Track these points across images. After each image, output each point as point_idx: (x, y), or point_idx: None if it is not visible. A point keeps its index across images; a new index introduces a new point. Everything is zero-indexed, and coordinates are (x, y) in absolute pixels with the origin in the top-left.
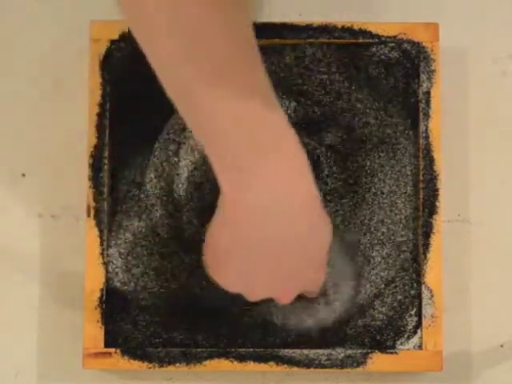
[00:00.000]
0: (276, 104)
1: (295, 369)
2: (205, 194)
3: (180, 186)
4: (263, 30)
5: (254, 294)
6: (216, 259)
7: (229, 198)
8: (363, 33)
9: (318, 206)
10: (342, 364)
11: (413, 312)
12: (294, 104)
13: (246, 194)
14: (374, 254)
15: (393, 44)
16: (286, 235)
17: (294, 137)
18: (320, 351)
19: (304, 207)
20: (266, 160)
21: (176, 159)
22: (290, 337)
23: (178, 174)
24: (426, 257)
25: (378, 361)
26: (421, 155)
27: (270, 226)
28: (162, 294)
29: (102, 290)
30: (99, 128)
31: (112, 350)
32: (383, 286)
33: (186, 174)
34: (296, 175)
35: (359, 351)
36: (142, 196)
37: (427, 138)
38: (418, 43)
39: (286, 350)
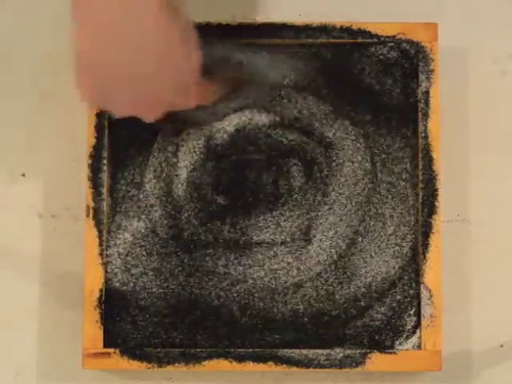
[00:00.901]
0: None
1: (294, 369)
2: (204, 194)
3: (179, 186)
4: (263, 30)
5: (116, 109)
6: (81, 71)
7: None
8: (362, 33)
9: (176, 27)
10: (340, 364)
11: (412, 312)
12: (293, 102)
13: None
14: (373, 253)
15: (392, 44)
16: (145, 51)
17: None
18: (319, 351)
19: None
20: None
21: (175, 160)
22: (290, 337)
23: (176, 175)
24: (425, 257)
25: (377, 361)
26: (420, 155)
27: (123, 40)
28: (161, 294)
29: (101, 290)
30: (98, 128)
31: (111, 350)
32: (382, 285)
33: (185, 175)
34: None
35: (358, 351)
36: (141, 196)
37: (426, 137)
38: (417, 43)
39: (285, 350)
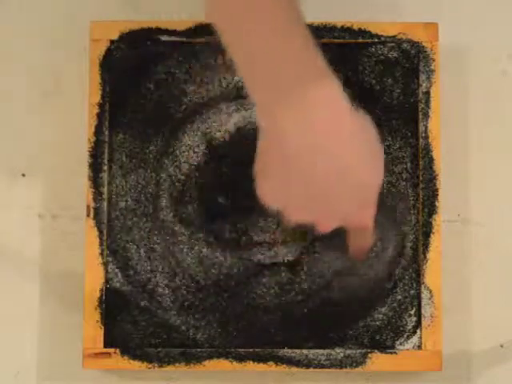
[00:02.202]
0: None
1: (294, 369)
2: (206, 194)
3: (180, 186)
4: None
5: (293, 214)
6: (262, 176)
7: (274, 131)
8: (363, 32)
9: (365, 138)
10: (341, 364)
11: (412, 312)
12: None
13: (291, 127)
14: (372, 253)
15: (392, 44)
16: (330, 165)
17: (332, 77)
18: (319, 351)
19: (349, 140)
20: (307, 93)
21: (175, 160)
22: (290, 337)
23: (176, 175)
24: (425, 257)
25: (378, 361)
26: (420, 155)
27: (314, 157)
28: (161, 294)
29: (101, 290)
30: (99, 128)
31: (111, 350)
32: (382, 285)
33: (186, 175)
34: (339, 109)
35: (358, 351)
36: (142, 196)
37: (426, 137)
38: (418, 43)
39: (286, 350)
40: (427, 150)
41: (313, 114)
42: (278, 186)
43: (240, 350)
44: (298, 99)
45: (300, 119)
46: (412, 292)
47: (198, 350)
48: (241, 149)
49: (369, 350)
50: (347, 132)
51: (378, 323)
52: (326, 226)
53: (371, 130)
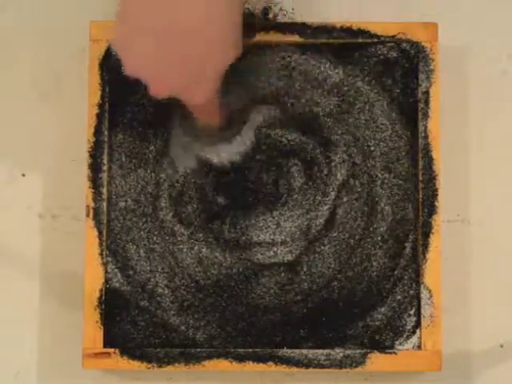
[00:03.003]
0: None
1: (294, 369)
2: (206, 192)
3: (179, 186)
4: (264, 30)
5: (129, 64)
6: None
7: None
8: (362, 32)
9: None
10: (340, 364)
11: (412, 312)
12: (291, 101)
13: None
14: (372, 253)
15: (392, 44)
16: (176, 22)
17: None
18: (319, 351)
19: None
20: None
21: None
22: (290, 337)
23: (176, 175)
24: (425, 257)
25: (377, 361)
26: (420, 155)
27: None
28: (161, 294)
29: (101, 290)
30: (98, 128)
31: (111, 350)
32: (382, 285)
33: (185, 175)
34: None
35: (358, 351)
36: (142, 196)
37: (426, 137)
38: (417, 43)
39: (285, 350)
40: (427, 149)
41: None
42: (129, 25)
43: (240, 350)
44: None
45: None
46: (411, 292)
47: (198, 350)
48: None
49: (368, 350)
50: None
51: (377, 323)
52: (158, 87)
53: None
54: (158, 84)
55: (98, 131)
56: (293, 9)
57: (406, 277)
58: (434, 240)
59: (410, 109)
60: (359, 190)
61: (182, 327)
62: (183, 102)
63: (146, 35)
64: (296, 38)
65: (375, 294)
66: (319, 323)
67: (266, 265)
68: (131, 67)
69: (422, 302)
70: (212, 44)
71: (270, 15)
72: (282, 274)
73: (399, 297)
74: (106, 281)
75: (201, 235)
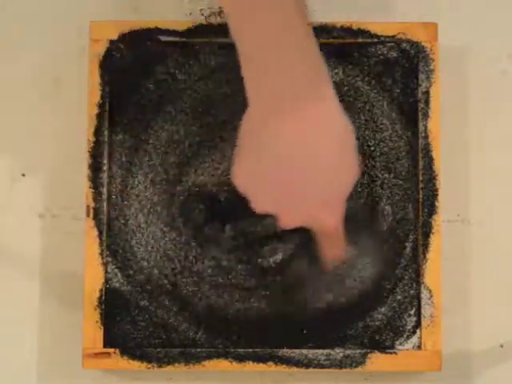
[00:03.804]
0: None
1: (294, 369)
2: (206, 193)
3: (179, 187)
4: None
5: (259, 201)
6: (239, 156)
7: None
8: (362, 32)
9: (350, 142)
10: (341, 364)
11: (412, 312)
12: None
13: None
14: (373, 253)
15: (392, 44)
16: (307, 161)
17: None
18: (319, 351)
19: (339, 140)
20: (306, 108)
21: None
22: (290, 337)
23: (176, 175)
24: (425, 257)
25: (377, 361)
26: (420, 155)
27: (294, 152)
28: (161, 294)
29: (101, 290)
30: (98, 128)
31: (111, 350)
32: (382, 286)
33: (185, 176)
34: (333, 112)
35: (358, 351)
36: (141, 196)
37: (426, 137)
38: (417, 43)
39: (285, 350)
40: (427, 149)
41: (308, 130)
42: (251, 169)
43: (240, 350)
44: (296, 114)
45: (294, 132)
46: (412, 292)
47: (198, 350)
48: None
49: (368, 350)
50: (335, 140)
51: (377, 323)
52: (288, 220)
53: (352, 136)
54: (288, 217)
55: (98, 131)
56: None
57: (406, 277)
58: (433, 240)
59: (410, 109)
60: (359, 189)
61: (183, 327)
62: (313, 234)
63: (270, 171)
64: None
65: (375, 294)
66: (319, 323)
67: (266, 265)
68: (261, 206)
69: (422, 302)
70: (339, 169)
71: None
72: (282, 274)
73: (399, 297)
74: (106, 281)
75: (201, 235)
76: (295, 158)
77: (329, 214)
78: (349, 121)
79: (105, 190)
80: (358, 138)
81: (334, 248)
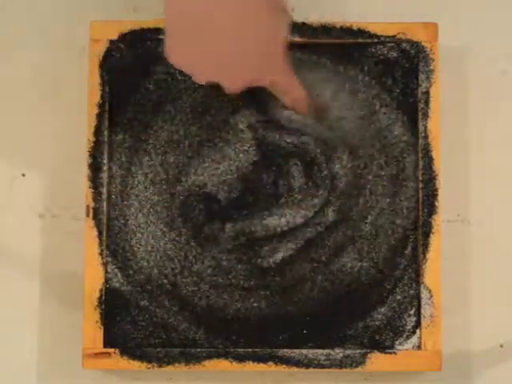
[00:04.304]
0: None
1: (294, 369)
2: (206, 193)
3: (179, 187)
4: None
5: (201, 74)
6: (170, 34)
7: None
8: (362, 33)
9: None
10: (341, 364)
11: (412, 312)
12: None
13: None
14: (372, 254)
15: (392, 44)
16: (233, 15)
17: None
18: (319, 351)
19: None
20: None
21: (175, 160)
22: (290, 337)
23: (176, 175)
24: (425, 257)
25: (377, 361)
26: (420, 155)
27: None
28: (160, 294)
29: (101, 290)
30: (98, 128)
31: (111, 350)
32: (382, 286)
33: (186, 176)
34: None
35: (358, 351)
36: (141, 196)
37: (426, 137)
38: (417, 43)
39: (285, 350)
40: (427, 149)
41: None
42: (184, 43)
43: (240, 350)
44: None
45: None
46: (412, 292)
47: (198, 350)
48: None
49: (368, 350)
50: None
51: (377, 323)
52: (232, 83)
53: None
54: (231, 80)
55: (97, 131)
56: (293, 9)
57: (406, 277)
58: (434, 240)
59: (410, 109)
60: (359, 190)
61: (183, 327)
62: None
63: (203, 40)
64: (296, 38)
65: (375, 294)
66: (319, 323)
67: (266, 265)
68: (201, 77)
69: (422, 302)
70: (269, 17)
71: None
72: (282, 275)
73: (399, 297)
74: (106, 281)
75: (201, 235)
76: (224, 21)
77: (271, 65)
78: None
79: (105, 190)
80: (358, 138)
81: (292, 94)
